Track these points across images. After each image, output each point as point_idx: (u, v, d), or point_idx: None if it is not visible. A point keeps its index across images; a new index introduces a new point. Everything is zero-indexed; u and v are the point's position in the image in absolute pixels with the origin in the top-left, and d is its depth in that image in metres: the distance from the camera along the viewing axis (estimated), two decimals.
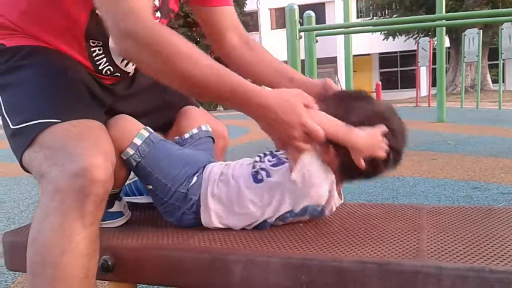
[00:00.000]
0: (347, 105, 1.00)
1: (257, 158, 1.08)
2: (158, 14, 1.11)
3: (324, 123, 0.92)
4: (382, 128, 0.96)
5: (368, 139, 0.95)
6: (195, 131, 1.20)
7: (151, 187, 1.05)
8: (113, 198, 1.10)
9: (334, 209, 1.05)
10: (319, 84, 1.13)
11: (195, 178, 1.05)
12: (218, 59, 0.97)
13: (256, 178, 1.03)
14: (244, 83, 0.89)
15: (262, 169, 1.04)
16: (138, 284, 1.07)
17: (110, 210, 1.10)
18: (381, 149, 0.96)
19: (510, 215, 1.07)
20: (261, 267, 0.88)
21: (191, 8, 1.22)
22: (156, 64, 0.87)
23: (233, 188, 1.04)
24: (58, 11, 1.01)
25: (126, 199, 1.22)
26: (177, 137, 1.20)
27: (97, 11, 1.00)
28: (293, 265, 0.86)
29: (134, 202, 1.26)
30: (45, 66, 1.01)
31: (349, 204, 1.22)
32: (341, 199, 1.07)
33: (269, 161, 1.06)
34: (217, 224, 1.04)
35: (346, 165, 0.98)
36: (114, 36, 0.87)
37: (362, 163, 0.96)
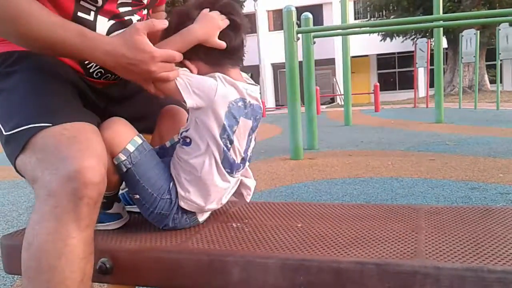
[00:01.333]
0: (169, 21, 1.02)
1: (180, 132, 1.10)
2: (144, 11, 1.12)
3: (170, 44, 0.98)
4: (205, 9, 1.02)
5: (203, 24, 1.00)
6: (176, 138, 1.16)
7: (138, 196, 1.05)
8: (112, 200, 1.10)
9: (256, 94, 1.07)
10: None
11: (171, 183, 1.06)
12: None
13: (185, 143, 1.05)
14: (89, 33, 0.92)
15: (181, 133, 1.06)
16: (136, 286, 1.06)
17: (108, 211, 1.10)
18: (220, 21, 1.02)
19: (508, 215, 1.07)
20: (259, 268, 0.88)
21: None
22: (2, 29, 0.91)
23: (182, 166, 1.05)
24: None
25: None
26: (157, 146, 1.17)
27: (79, 13, 1.01)
28: (291, 266, 0.86)
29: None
30: (35, 71, 1.02)
31: (347, 205, 1.22)
32: (254, 83, 1.09)
33: (183, 127, 1.08)
34: (201, 202, 1.05)
35: (212, 58, 1.03)
36: None
37: (220, 43, 1.01)
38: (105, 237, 1.04)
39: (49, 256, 0.83)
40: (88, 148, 0.89)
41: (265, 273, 0.87)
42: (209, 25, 1.01)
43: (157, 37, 1.02)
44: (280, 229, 1.04)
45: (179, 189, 1.05)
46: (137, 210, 1.20)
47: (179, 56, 0.97)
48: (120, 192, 1.22)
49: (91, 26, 1.03)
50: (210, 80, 1.00)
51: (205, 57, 1.03)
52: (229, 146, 1.04)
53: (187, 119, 1.07)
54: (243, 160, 1.09)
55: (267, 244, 0.95)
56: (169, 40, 0.99)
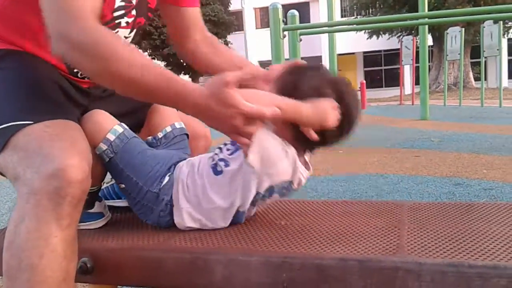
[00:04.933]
0: (296, 78, 0.97)
1: (217, 150, 1.07)
2: (134, 12, 1.10)
3: (268, 101, 0.89)
4: (331, 99, 0.94)
5: (315, 112, 0.92)
6: (168, 129, 1.17)
7: (123, 185, 1.04)
8: (93, 198, 1.09)
9: (303, 181, 1.03)
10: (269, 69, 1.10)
11: (167, 178, 1.04)
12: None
13: (215, 170, 1.02)
14: (178, 82, 0.87)
15: (221, 160, 1.03)
16: (118, 286, 1.05)
17: (90, 211, 1.09)
18: (330, 120, 0.93)
19: (490, 210, 1.08)
20: (242, 266, 0.87)
21: (161, 6, 1.22)
22: (92, 67, 0.87)
23: (198, 185, 1.02)
24: (29, 13, 0.99)
25: (105, 202, 1.20)
26: (150, 137, 1.18)
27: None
28: (274, 263, 0.85)
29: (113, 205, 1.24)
30: (17, 69, 1.00)
31: (331, 202, 1.22)
32: (309, 170, 1.05)
33: (227, 149, 1.05)
34: (189, 223, 1.03)
35: (300, 137, 0.96)
36: (50, 36, 0.88)
37: (314, 135, 0.94)
38: (85, 236, 1.03)
39: (30, 255, 0.82)
40: (71, 146, 0.88)
41: (248, 270, 0.87)
42: (319, 118, 0.92)
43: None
44: (263, 226, 1.04)
45: (179, 194, 1.03)
46: (119, 204, 1.19)
47: (269, 115, 0.87)
48: (104, 186, 1.21)
49: None
50: (281, 154, 0.96)
51: (295, 131, 0.95)
52: (250, 207, 1.03)
53: (221, 147, 1.05)
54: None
55: (250, 241, 0.94)
56: (271, 97, 0.91)
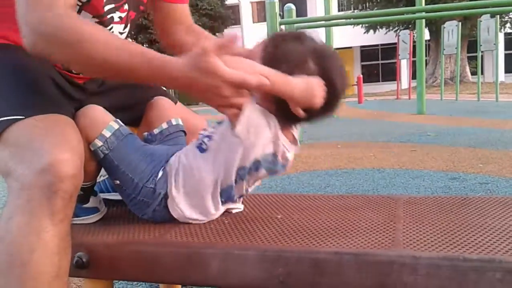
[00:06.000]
0: (279, 51, 0.94)
1: (203, 131, 1.06)
2: (126, 6, 1.09)
3: (251, 69, 0.87)
4: (318, 77, 0.92)
5: (305, 88, 0.91)
6: (164, 126, 1.16)
7: (118, 182, 1.03)
8: (88, 193, 1.08)
9: (289, 156, 1.02)
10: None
11: (161, 172, 1.03)
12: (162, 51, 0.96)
13: (201, 148, 1.02)
14: (155, 58, 0.86)
15: (206, 137, 1.03)
16: (114, 281, 1.05)
17: (85, 205, 1.09)
18: (317, 99, 0.92)
19: (485, 204, 1.08)
20: (238, 260, 0.87)
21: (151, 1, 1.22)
22: (62, 54, 0.87)
23: (186, 166, 1.02)
24: None
25: (101, 195, 1.20)
26: (146, 133, 1.17)
27: None
28: (270, 257, 0.85)
29: (109, 199, 1.23)
30: (9, 65, 0.99)
31: (327, 196, 1.22)
32: (297, 145, 1.04)
33: (212, 127, 1.05)
34: (186, 210, 1.03)
35: (284, 110, 0.94)
36: (21, 30, 0.87)
37: (301, 112, 0.93)
38: (81, 230, 1.02)
39: (21, 251, 0.81)
40: (63, 141, 0.87)
41: (244, 265, 0.87)
42: (307, 95, 0.90)
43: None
44: (260, 220, 1.04)
45: (172, 184, 1.02)
46: (115, 197, 1.19)
47: (255, 84, 0.85)
48: (100, 179, 1.20)
49: None
50: (266, 128, 0.95)
51: (280, 104, 0.93)
52: (238, 182, 1.02)
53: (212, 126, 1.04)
54: (241, 196, 1.09)
55: (246, 235, 0.94)
56: (257, 66, 0.89)
